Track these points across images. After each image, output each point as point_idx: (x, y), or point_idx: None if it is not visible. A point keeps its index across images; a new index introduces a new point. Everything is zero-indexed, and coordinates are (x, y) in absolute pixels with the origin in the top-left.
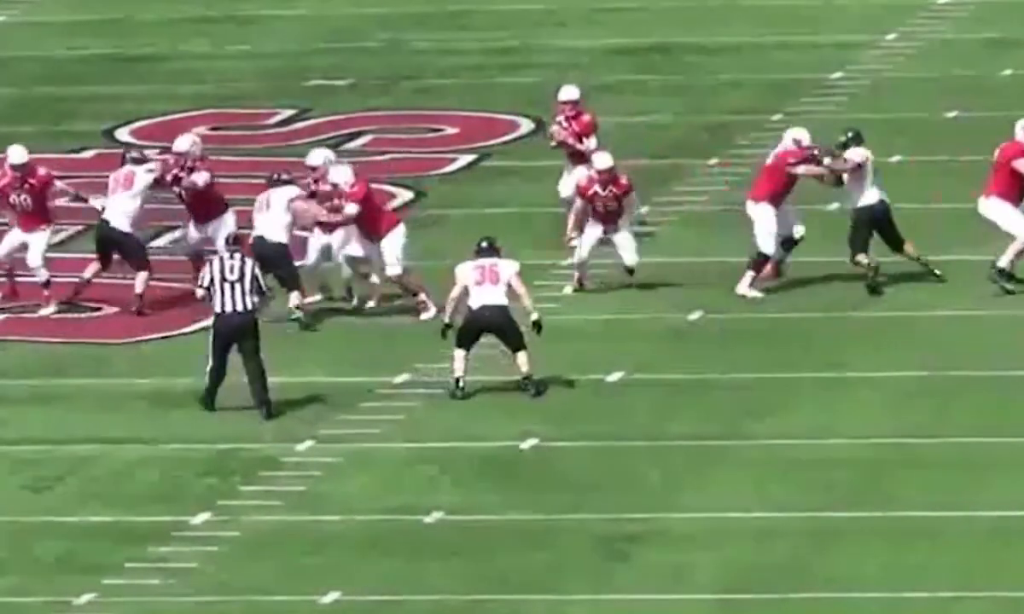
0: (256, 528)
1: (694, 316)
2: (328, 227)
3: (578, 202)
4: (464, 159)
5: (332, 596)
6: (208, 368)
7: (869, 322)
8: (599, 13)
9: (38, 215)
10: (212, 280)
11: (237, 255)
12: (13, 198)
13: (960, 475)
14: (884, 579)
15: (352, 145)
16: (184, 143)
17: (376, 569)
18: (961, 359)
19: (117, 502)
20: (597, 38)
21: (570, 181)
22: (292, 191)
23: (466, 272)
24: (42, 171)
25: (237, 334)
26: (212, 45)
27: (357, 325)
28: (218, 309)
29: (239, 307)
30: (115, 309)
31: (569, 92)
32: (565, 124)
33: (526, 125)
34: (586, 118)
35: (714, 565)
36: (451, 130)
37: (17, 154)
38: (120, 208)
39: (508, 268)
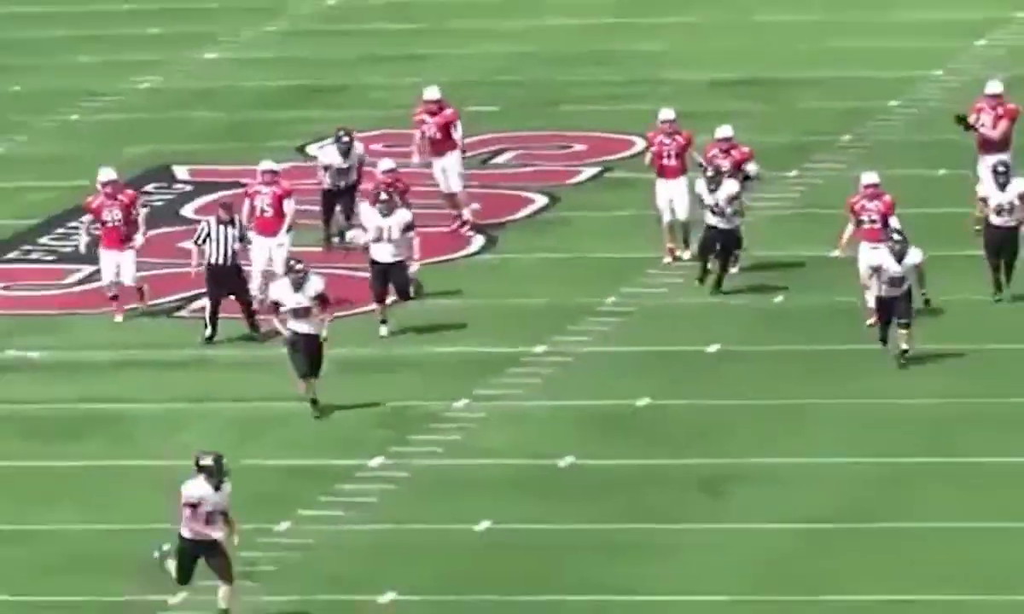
0: (422, 470)
1: (778, 299)
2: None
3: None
4: (590, 171)
5: (484, 525)
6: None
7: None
8: (706, 53)
9: (125, 230)
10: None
11: None
12: (106, 215)
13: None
14: (949, 514)
15: (498, 160)
16: (388, 163)
17: (519, 504)
18: None
19: (311, 449)
20: (705, 73)
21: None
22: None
23: None
24: (129, 190)
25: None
26: (389, 76)
27: (503, 306)
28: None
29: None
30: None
31: (666, 113)
32: (667, 141)
33: (640, 144)
34: (681, 137)
35: (803, 501)
36: (579, 147)
37: (106, 173)
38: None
39: None
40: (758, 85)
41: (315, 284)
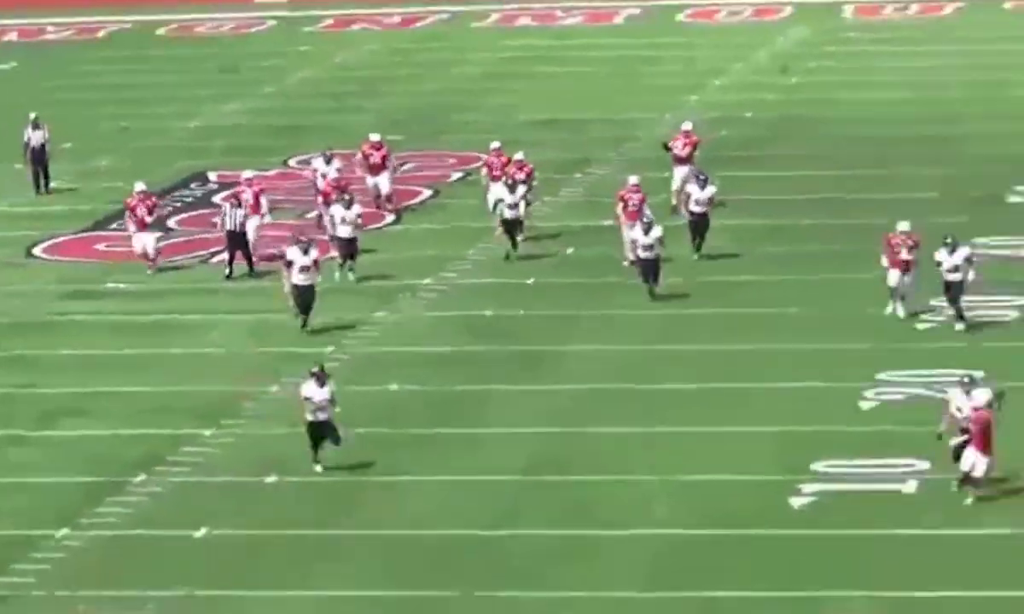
0: None
1: (569, 250)
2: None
3: None
4: (457, 175)
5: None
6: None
7: None
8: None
9: (149, 220)
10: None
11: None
12: (139, 211)
13: None
14: None
15: (405, 167)
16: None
17: None
18: None
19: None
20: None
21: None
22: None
23: None
24: (152, 195)
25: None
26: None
27: (404, 258)
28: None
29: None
30: None
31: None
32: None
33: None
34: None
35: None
36: (452, 161)
37: (139, 185)
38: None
39: None
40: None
41: (315, 251)
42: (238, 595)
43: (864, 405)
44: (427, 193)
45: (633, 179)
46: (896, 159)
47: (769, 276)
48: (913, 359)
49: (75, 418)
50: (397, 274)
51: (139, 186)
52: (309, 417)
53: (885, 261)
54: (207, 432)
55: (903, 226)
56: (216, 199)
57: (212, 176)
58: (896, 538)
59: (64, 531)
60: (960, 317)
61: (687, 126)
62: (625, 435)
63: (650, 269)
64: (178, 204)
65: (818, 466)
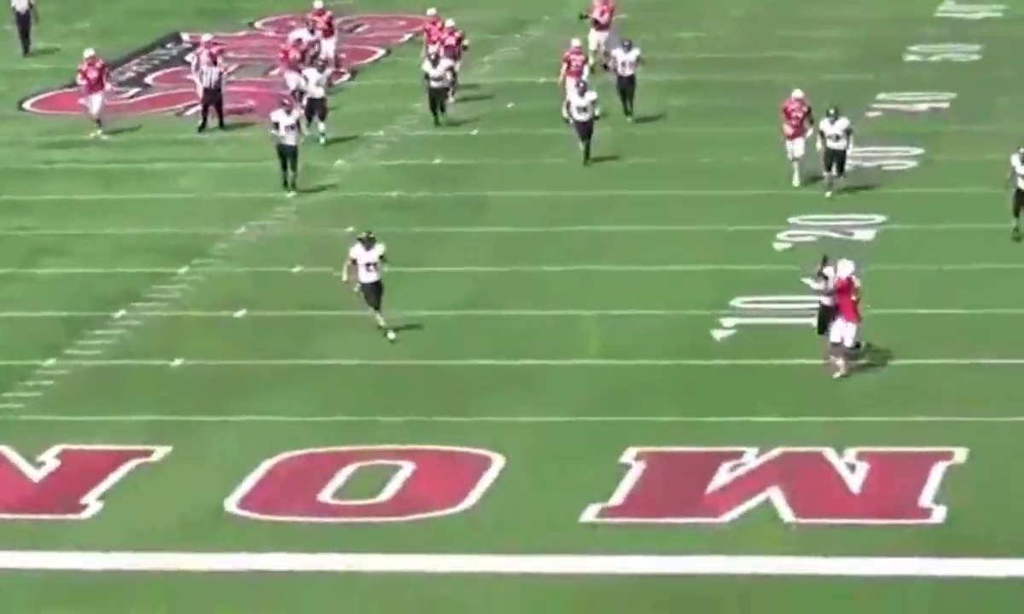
0: None
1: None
2: None
3: None
4: (407, 36)
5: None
6: None
7: None
8: None
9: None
10: None
11: None
12: (91, 73)
13: None
14: None
15: (359, 30)
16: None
17: None
18: None
19: None
20: None
21: None
22: None
23: None
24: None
25: None
26: None
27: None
28: None
29: None
30: None
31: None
32: None
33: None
34: None
35: None
36: (401, 23)
37: (89, 51)
38: None
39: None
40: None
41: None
42: (210, 420)
43: (778, 246)
44: (380, 52)
45: (575, 42)
46: (806, 22)
47: (688, 128)
48: (821, 206)
49: (59, 257)
50: (353, 127)
51: (88, 52)
52: (362, 278)
53: (788, 129)
54: (181, 270)
55: (797, 93)
56: (189, 58)
57: (185, 36)
58: (808, 368)
59: (51, 361)
60: (829, 186)
61: None
62: (562, 273)
63: (585, 130)
64: (155, 63)
65: (737, 302)
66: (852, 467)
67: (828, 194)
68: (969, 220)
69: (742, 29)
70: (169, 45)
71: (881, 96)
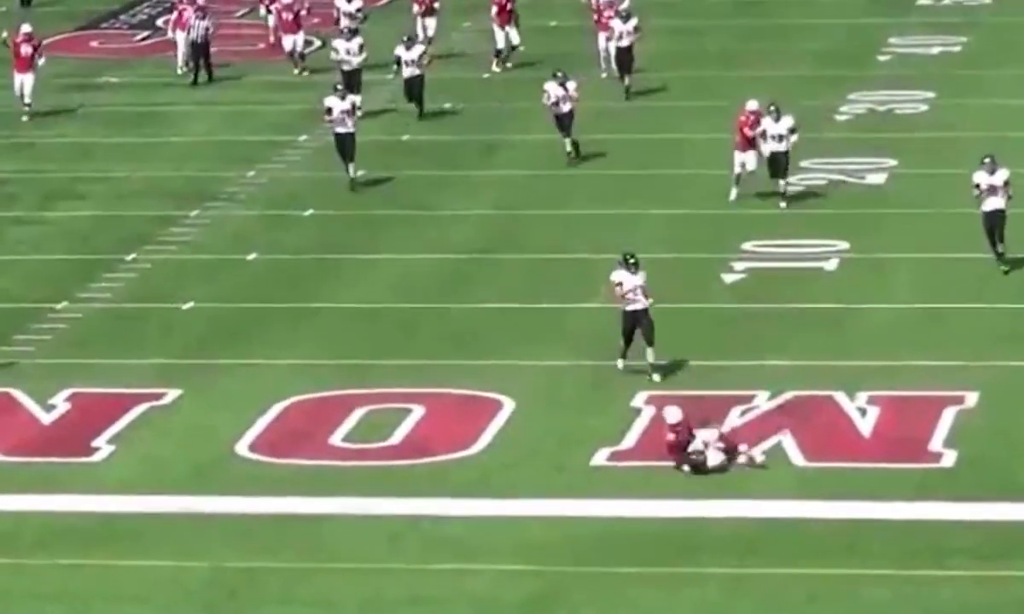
0: None
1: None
2: None
3: None
4: None
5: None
6: None
7: None
8: None
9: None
10: None
11: None
12: (24, 50)
13: None
14: None
15: None
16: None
17: None
18: None
19: None
20: None
21: None
22: None
23: None
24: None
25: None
26: None
27: None
28: None
29: None
30: None
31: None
32: None
33: None
34: None
35: None
36: None
37: (25, 26)
38: None
39: None
40: None
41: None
42: (221, 363)
43: (790, 189)
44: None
45: None
46: None
47: (683, 72)
48: (833, 148)
49: (71, 201)
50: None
51: (25, 27)
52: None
53: (740, 141)
54: (192, 213)
55: (752, 105)
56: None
57: None
58: (819, 311)
59: (62, 304)
60: (783, 195)
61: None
62: (572, 217)
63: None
64: (167, 4)
65: (748, 245)
66: (863, 411)
67: (783, 204)
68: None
69: None
70: None
71: (893, 40)
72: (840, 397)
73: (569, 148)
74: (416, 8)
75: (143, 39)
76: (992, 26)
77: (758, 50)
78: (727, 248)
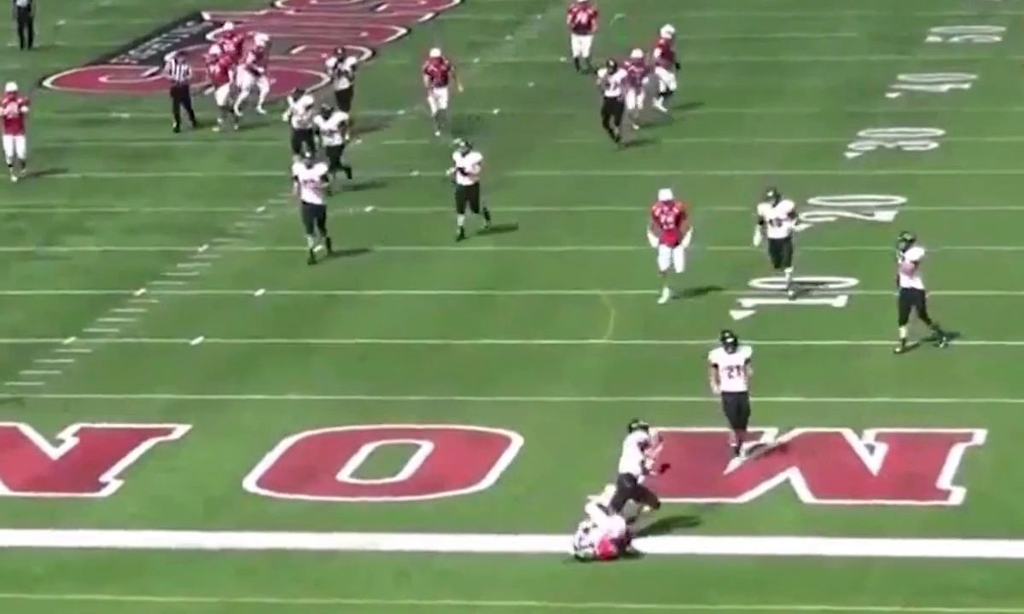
0: None
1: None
2: None
3: None
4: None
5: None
6: None
7: None
8: None
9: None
10: None
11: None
12: (10, 111)
13: None
14: None
15: None
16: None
17: None
18: None
19: None
20: None
21: None
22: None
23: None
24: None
25: None
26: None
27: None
28: None
29: None
30: None
31: None
32: None
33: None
34: None
35: None
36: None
37: (11, 85)
38: None
39: None
40: None
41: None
42: (230, 398)
43: (798, 227)
44: (401, 31)
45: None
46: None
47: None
48: (842, 185)
49: (79, 236)
50: (372, 106)
51: (10, 86)
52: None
53: (652, 239)
54: (200, 248)
55: (665, 195)
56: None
57: (206, 15)
58: (827, 348)
59: (71, 339)
60: (787, 285)
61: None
62: (580, 253)
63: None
64: (176, 41)
65: (756, 282)
66: (871, 448)
67: (790, 293)
68: (988, 202)
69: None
70: (190, 23)
71: (902, 77)
72: (848, 434)
73: (462, 223)
74: (427, 80)
75: (152, 75)
76: (1001, 63)
77: (766, 86)
78: (735, 285)
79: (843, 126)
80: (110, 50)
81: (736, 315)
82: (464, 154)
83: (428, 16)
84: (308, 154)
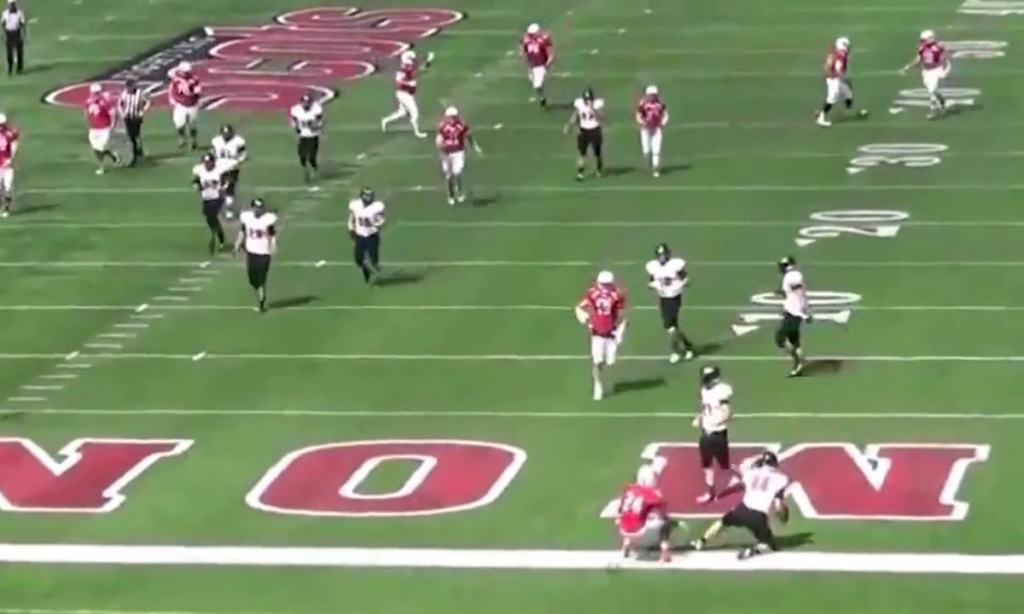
0: None
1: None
2: None
3: None
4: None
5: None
6: None
7: None
8: None
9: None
10: None
11: None
12: None
13: None
14: None
15: None
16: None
17: None
18: None
19: None
20: None
21: None
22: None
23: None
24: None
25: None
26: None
27: None
28: None
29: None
30: None
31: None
32: None
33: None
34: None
35: None
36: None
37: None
38: None
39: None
40: None
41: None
42: (232, 414)
43: (801, 242)
44: (404, 46)
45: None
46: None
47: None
48: (844, 200)
49: (82, 251)
50: (374, 121)
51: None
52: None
53: (581, 316)
54: (203, 264)
55: (605, 277)
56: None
57: (209, 31)
58: (829, 364)
59: (74, 354)
60: (684, 344)
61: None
62: (582, 269)
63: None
64: (179, 57)
65: (758, 297)
66: (874, 463)
67: (674, 358)
68: (991, 217)
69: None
70: (193, 39)
71: (904, 92)
72: (851, 449)
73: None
74: (440, 139)
75: (154, 90)
76: (1003, 78)
77: (768, 101)
78: (738, 300)
79: (845, 141)
80: (113, 65)
81: (739, 330)
82: (366, 204)
83: (431, 32)
84: (258, 202)
